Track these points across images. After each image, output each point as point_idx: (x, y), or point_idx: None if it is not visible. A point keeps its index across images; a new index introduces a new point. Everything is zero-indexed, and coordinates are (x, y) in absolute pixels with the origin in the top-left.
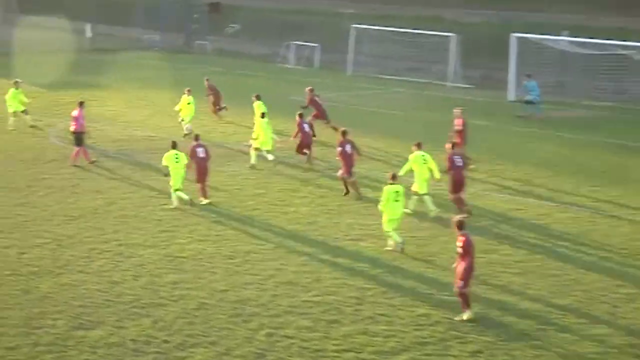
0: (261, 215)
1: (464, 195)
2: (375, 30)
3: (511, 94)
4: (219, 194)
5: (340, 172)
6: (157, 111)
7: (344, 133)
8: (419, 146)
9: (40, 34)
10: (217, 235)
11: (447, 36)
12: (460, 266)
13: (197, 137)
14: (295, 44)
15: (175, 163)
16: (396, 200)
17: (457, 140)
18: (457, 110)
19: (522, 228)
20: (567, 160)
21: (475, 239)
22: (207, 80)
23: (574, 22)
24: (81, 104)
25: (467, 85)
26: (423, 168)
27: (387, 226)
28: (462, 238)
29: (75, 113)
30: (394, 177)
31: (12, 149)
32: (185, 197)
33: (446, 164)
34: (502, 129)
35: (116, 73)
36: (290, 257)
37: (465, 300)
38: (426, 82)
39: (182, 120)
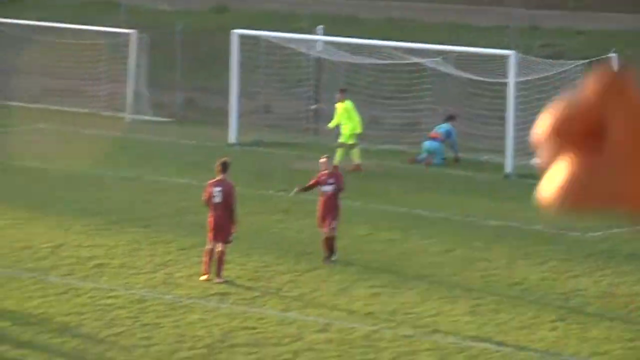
0: None
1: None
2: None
3: (233, 133)
4: None
5: None
6: None
7: None
8: None
9: None
10: None
11: (123, 33)
12: None
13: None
14: None
15: None
16: None
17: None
18: (322, 160)
19: None
20: None
21: None
22: None
23: (337, 11)
24: None
25: (159, 119)
26: None
27: None
28: None
29: None
30: None
31: None
32: None
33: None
34: None
35: None
36: None
37: None
38: (89, 112)
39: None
